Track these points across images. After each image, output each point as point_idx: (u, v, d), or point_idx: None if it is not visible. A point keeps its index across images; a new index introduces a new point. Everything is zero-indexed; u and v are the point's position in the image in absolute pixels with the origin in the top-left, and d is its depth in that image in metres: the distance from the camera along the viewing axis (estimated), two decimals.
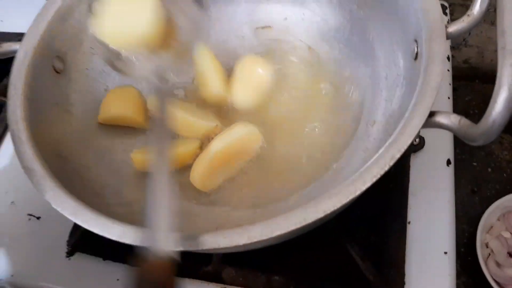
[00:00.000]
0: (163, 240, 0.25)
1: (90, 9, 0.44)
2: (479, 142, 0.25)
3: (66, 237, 0.46)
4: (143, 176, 0.43)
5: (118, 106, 0.44)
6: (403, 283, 0.37)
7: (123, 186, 0.41)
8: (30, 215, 0.49)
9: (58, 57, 0.42)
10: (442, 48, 0.30)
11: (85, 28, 0.44)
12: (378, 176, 0.27)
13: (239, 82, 0.45)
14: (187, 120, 0.43)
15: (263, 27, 0.49)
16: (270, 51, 0.48)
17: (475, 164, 0.64)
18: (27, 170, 0.32)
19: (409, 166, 0.42)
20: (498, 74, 0.23)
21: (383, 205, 0.41)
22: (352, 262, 0.38)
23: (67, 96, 0.42)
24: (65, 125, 0.41)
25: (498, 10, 0.26)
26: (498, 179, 0.63)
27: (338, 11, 0.45)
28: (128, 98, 0.45)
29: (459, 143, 0.64)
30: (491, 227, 0.58)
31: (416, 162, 0.42)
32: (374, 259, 0.38)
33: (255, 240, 0.26)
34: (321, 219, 0.27)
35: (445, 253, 0.38)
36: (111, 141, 0.44)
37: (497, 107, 0.23)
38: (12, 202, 0.51)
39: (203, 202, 0.41)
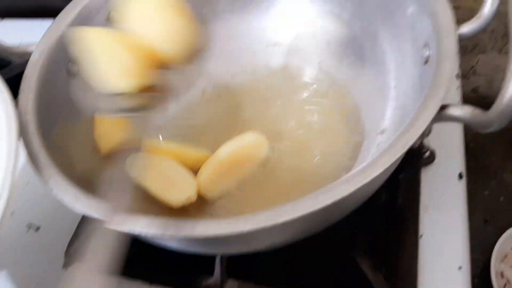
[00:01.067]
0: None
1: (108, 18, 0.46)
2: (493, 127, 0.25)
3: (64, 247, 0.45)
4: None
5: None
6: None
7: None
8: (30, 224, 0.49)
9: (72, 60, 0.42)
10: (454, 46, 0.30)
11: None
12: (389, 163, 0.26)
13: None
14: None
15: (274, 44, 0.50)
16: (281, 67, 0.49)
17: (486, 193, 0.62)
18: (31, 156, 0.32)
19: (420, 180, 0.41)
20: (510, 58, 0.23)
21: (394, 219, 0.40)
22: (362, 275, 0.36)
23: (79, 99, 0.43)
24: (75, 127, 0.42)
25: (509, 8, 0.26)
26: (510, 208, 0.61)
27: (349, 27, 0.45)
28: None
29: (471, 172, 0.63)
30: (506, 255, 0.55)
31: (427, 176, 0.41)
32: (386, 272, 0.37)
33: (261, 225, 0.25)
34: (330, 211, 0.26)
35: (460, 268, 0.36)
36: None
37: (510, 87, 0.23)
38: (12, 212, 0.50)
39: (207, 211, 0.40)
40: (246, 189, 0.42)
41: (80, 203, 0.29)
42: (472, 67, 0.61)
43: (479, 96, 0.65)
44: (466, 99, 0.66)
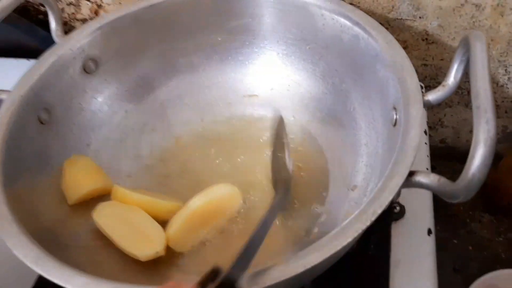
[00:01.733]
0: None
1: (84, 68, 0.46)
2: (460, 199, 0.25)
3: None
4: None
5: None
6: None
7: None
8: None
9: (45, 109, 0.42)
10: (420, 113, 0.32)
11: (76, 84, 0.45)
12: (360, 231, 0.26)
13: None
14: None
15: (250, 95, 0.51)
16: (255, 118, 0.50)
17: (456, 241, 0.63)
18: None
19: (390, 235, 0.42)
20: (475, 131, 0.24)
21: (366, 275, 0.40)
22: None
23: (49, 148, 0.42)
24: (42, 177, 0.40)
25: (471, 77, 0.27)
26: (479, 257, 0.62)
27: (321, 84, 0.47)
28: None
29: (440, 220, 0.64)
30: None
31: (397, 231, 0.42)
32: None
33: None
34: (302, 276, 0.26)
35: None
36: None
37: (475, 162, 0.24)
38: None
39: (176, 263, 0.39)
40: (216, 241, 0.41)
41: (40, 267, 0.28)
42: (440, 119, 0.63)
43: (447, 146, 0.67)
44: (436, 149, 0.68)
